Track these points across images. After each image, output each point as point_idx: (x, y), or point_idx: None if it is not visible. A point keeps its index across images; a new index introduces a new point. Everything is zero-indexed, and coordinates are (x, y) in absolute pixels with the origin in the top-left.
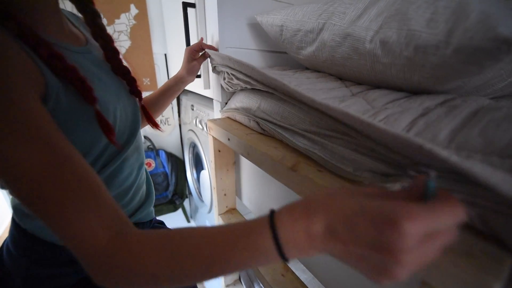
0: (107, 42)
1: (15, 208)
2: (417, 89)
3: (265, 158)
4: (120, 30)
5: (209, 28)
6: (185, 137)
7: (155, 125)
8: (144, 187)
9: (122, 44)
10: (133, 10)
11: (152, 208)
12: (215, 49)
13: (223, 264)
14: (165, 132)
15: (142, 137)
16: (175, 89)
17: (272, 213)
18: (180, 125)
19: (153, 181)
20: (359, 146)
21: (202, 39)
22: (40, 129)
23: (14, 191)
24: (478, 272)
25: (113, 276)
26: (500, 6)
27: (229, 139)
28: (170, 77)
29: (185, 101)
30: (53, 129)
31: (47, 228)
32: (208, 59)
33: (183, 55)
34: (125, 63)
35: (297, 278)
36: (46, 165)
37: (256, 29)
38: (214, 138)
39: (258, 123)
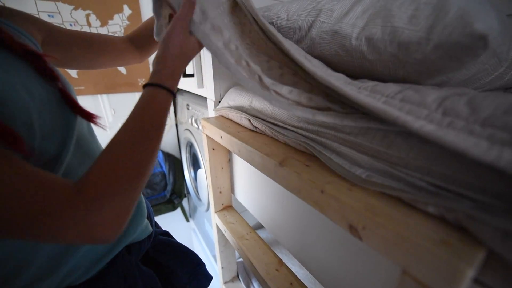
0: None
1: None
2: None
3: (254, 155)
4: (114, 31)
5: None
6: (182, 136)
7: (89, 116)
8: None
9: None
10: (126, 11)
11: (146, 222)
12: None
13: (154, 130)
14: None
15: (95, 137)
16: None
17: (153, 84)
18: (176, 125)
19: (151, 181)
20: (345, 140)
21: None
22: None
23: None
24: (453, 259)
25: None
26: (480, 2)
27: (221, 137)
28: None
29: (181, 100)
30: None
31: None
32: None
33: None
34: (18, 40)
35: (292, 272)
36: None
37: None
38: (208, 137)
39: (250, 121)
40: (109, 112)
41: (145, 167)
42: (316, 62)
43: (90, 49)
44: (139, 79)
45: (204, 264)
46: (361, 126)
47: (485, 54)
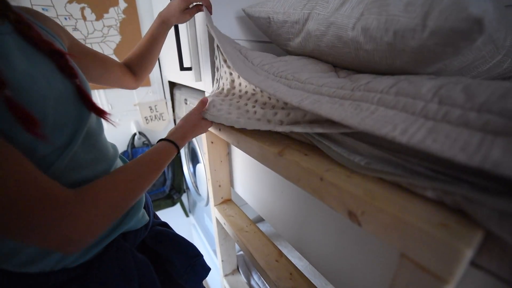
0: (18, 16)
1: None
2: (401, 74)
3: (253, 146)
4: (109, 25)
5: (198, 24)
6: None
7: (100, 112)
8: None
9: (112, 39)
10: (122, 4)
11: (143, 212)
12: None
13: (155, 172)
14: (159, 128)
15: (102, 130)
16: (160, 35)
17: (168, 140)
18: (174, 120)
19: None
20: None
21: None
22: None
23: None
24: (451, 241)
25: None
26: None
27: (220, 130)
28: (162, 71)
29: (179, 95)
30: None
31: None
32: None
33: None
34: (46, 38)
35: (291, 263)
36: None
37: (244, 21)
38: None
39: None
40: (106, 107)
41: (135, 199)
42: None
43: (100, 66)
44: None
45: (202, 256)
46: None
47: (481, 38)
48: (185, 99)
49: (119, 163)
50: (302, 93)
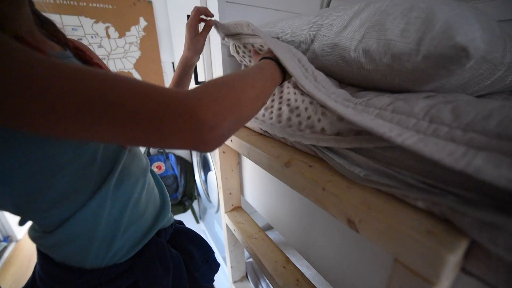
0: (73, 43)
1: (36, 241)
2: (400, 91)
3: (262, 157)
4: (130, 42)
5: (212, 39)
6: None
7: None
8: (156, 192)
9: (133, 54)
10: (142, 23)
11: (171, 213)
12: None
13: (260, 82)
14: None
15: None
16: (185, 75)
17: (268, 58)
18: None
19: (164, 183)
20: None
21: (196, 8)
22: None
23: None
24: (437, 247)
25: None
26: (465, 15)
27: (231, 141)
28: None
29: None
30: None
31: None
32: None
33: (185, 34)
34: (96, 61)
35: (298, 269)
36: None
37: None
38: None
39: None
40: None
41: (250, 103)
42: (322, 77)
43: None
44: None
45: (214, 252)
46: (354, 147)
47: (470, 63)
48: None
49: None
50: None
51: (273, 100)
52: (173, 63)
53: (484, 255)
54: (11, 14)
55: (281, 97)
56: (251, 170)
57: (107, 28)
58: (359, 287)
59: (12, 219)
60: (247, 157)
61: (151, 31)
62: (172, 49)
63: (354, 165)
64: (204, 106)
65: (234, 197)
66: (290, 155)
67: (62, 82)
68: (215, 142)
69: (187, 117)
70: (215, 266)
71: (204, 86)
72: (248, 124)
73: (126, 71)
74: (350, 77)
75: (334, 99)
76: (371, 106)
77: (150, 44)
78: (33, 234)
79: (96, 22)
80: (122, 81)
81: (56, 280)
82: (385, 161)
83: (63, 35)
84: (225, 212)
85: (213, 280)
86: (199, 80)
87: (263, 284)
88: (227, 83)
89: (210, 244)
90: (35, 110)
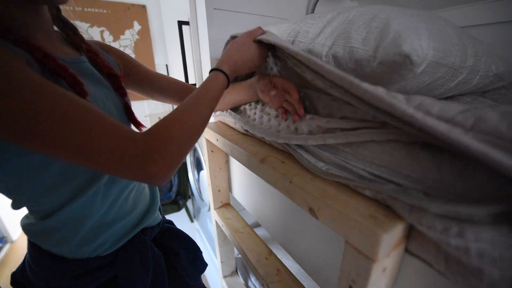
0: (88, 46)
1: (26, 229)
2: None
3: (242, 154)
4: (125, 45)
5: (201, 43)
6: None
7: (139, 125)
8: (146, 191)
9: None
10: (136, 26)
11: (158, 212)
12: None
13: (208, 103)
14: None
15: None
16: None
17: (218, 69)
18: None
19: None
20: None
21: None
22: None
23: (55, 144)
24: (374, 228)
25: (155, 154)
26: (416, 26)
27: (217, 140)
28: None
29: None
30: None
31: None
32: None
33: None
34: (107, 63)
35: (279, 260)
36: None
37: None
38: (207, 140)
39: (242, 126)
40: None
41: (197, 128)
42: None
43: (152, 90)
44: None
45: (201, 252)
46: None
47: (418, 68)
48: None
49: None
50: None
51: (257, 102)
52: (166, 65)
53: (420, 235)
54: (23, 18)
55: (263, 104)
56: (238, 168)
57: (102, 32)
58: (327, 272)
59: (7, 220)
60: (231, 155)
61: (145, 34)
62: (166, 51)
63: (319, 161)
64: (155, 159)
65: (222, 194)
66: (266, 152)
67: (44, 119)
68: (166, 178)
69: (140, 163)
70: (202, 266)
71: (157, 130)
72: (232, 125)
73: None
74: None
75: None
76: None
77: (144, 47)
78: (25, 221)
79: (91, 26)
80: (87, 122)
81: (42, 268)
82: (344, 156)
83: (82, 40)
84: (214, 209)
85: (199, 279)
86: (190, 82)
87: (252, 279)
88: (176, 123)
89: (204, 242)
90: (24, 135)
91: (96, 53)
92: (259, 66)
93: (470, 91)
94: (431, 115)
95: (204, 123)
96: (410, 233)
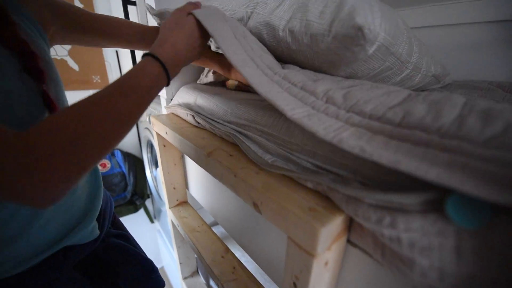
0: None
1: None
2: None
3: (191, 148)
4: None
5: (150, 23)
6: (142, 135)
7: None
8: (78, 197)
9: None
10: (77, 3)
11: (94, 225)
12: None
13: (128, 96)
14: None
15: None
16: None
17: (148, 54)
18: (137, 124)
19: (109, 182)
20: (262, 132)
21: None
22: None
23: None
24: (312, 221)
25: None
26: (371, 3)
27: (166, 133)
28: (122, 69)
29: None
30: None
31: None
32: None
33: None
34: (23, 37)
35: (236, 258)
36: None
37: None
38: (157, 134)
39: (193, 117)
40: None
41: (105, 133)
42: (252, 38)
43: (104, 37)
44: (93, 76)
45: (157, 271)
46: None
47: (370, 47)
48: None
49: None
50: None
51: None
52: (116, 51)
53: (359, 226)
54: None
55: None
56: (194, 163)
57: None
58: (280, 268)
59: None
60: (180, 149)
61: (87, 5)
62: None
63: (266, 152)
64: (30, 175)
65: (178, 192)
66: (215, 146)
67: None
68: (52, 201)
69: (8, 179)
70: (156, 286)
71: (41, 132)
72: (184, 117)
73: (58, 58)
74: (281, 58)
75: (258, 63)
76: (286, 79)
77: None
78: None
79: None
80: None
81: None
82: (290, 147)
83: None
84: (170, 208)
85: None
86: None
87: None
88: (70, 123)
89: (166, 244)
90: None
91: (6, 22)
92: (204, 43)
93: (413, 90)
94: (364, 114)
95: (120, 126)
96: (351, 224)
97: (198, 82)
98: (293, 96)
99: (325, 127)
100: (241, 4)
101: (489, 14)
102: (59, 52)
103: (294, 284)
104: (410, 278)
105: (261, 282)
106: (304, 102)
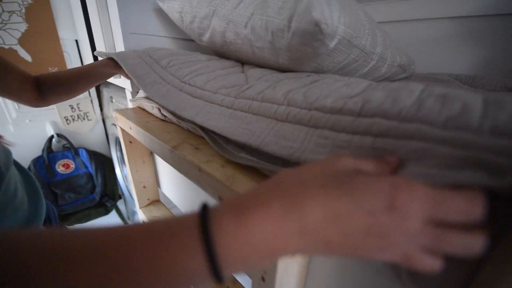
0: None
1: None
2: (287, 71)
3: (154, 142)
4: (11, 10)
5: (111, 12)
6: (110, 132)
7: None
8: (25, 202)
9: (16, 26)
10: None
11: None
12: None
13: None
14: (84, 129)
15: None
16: (99, 77)
17: (205, 211)
18: (103, 120)
19: (75, 184)
20: None
21: None
22: None
23: None
24: None
25: None
26: None
27: (130, 128)
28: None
29: (106, 93)
30: None
31: None
32: None
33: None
34: None
35: None
36: None
37: (165, 15)
38: (122, 129)
39: (159, 110)
40: (11, 107)
41: None
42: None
43: None
44: (50, 68)
45: None
46: None
47: (330, 42)
48: (111, 97)
49: (13, 172)
50: (199, 105)
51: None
52: (76, 41)
53: None
54: None
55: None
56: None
57: None
58: None
59: None
60: (144, 144)
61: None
62: (74, 24)
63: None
64: None
65: (149, 190)
66: (181, 139)
67: None
68: None
69: None
70: None
71: None
72: (150, 110)
73: (6, 47)
74: (247, 56)
75: (218, 102)
76: (247, 97)
77: (41, 16)
78: None
79: None
80: None
81: None
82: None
83: None
84: (140, 208)
85: None
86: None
87: None
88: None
89: None
90: None
91: None
92: None
93: (379, 80)
94: (324, 108)
95: None
96: None
97: None
98: (256, 114)
99: (248, 138)
100: (204, 1)
101: (451, 10)
102: (7, 40)
103: (263, 278)
104: (374, 262)
105: (236, 277)
106: (267, 116)
